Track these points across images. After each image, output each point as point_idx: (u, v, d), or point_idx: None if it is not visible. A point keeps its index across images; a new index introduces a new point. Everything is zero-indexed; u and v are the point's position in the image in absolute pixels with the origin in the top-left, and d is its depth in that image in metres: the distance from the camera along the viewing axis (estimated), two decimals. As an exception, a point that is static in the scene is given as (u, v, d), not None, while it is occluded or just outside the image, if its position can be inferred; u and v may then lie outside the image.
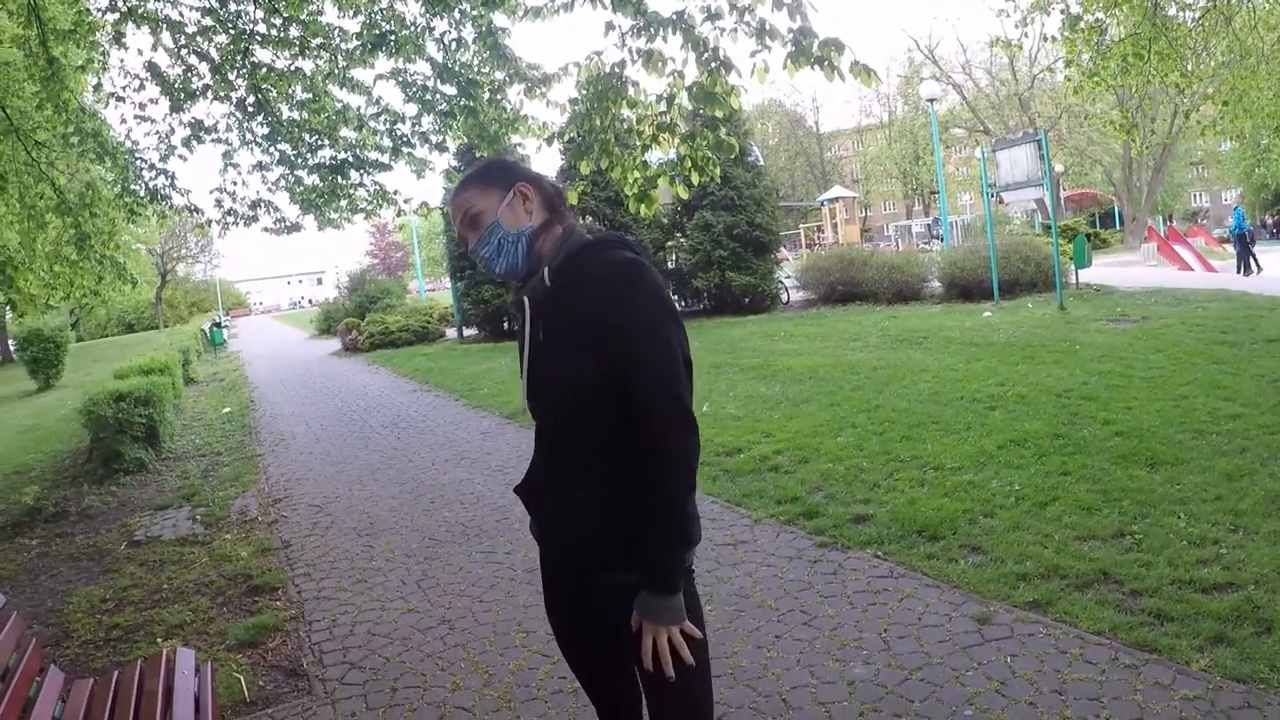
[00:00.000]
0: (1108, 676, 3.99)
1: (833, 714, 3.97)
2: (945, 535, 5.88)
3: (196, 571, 7.31)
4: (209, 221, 11.69)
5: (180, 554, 7.85)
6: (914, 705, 3.95)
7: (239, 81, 10.15)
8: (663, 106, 7.23)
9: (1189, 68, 12.90)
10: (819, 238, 50.07)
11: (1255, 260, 26.72)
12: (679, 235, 25.26)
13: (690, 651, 2.37)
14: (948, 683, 4.09)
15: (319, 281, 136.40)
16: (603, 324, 2.34)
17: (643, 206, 8.11)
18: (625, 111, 7.65)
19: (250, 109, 10.65)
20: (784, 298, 25.06)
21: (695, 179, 7.73)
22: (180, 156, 10.68)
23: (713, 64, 6.42)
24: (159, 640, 5.96)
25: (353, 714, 4.60)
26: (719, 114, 6.92)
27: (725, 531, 6.56)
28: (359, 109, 10.76)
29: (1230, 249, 30.55)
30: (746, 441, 8.95)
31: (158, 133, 10.57)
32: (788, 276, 26.12)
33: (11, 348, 46.99)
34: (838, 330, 17.48)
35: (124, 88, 10.18)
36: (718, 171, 7.90)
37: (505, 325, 25.50)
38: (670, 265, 25.16)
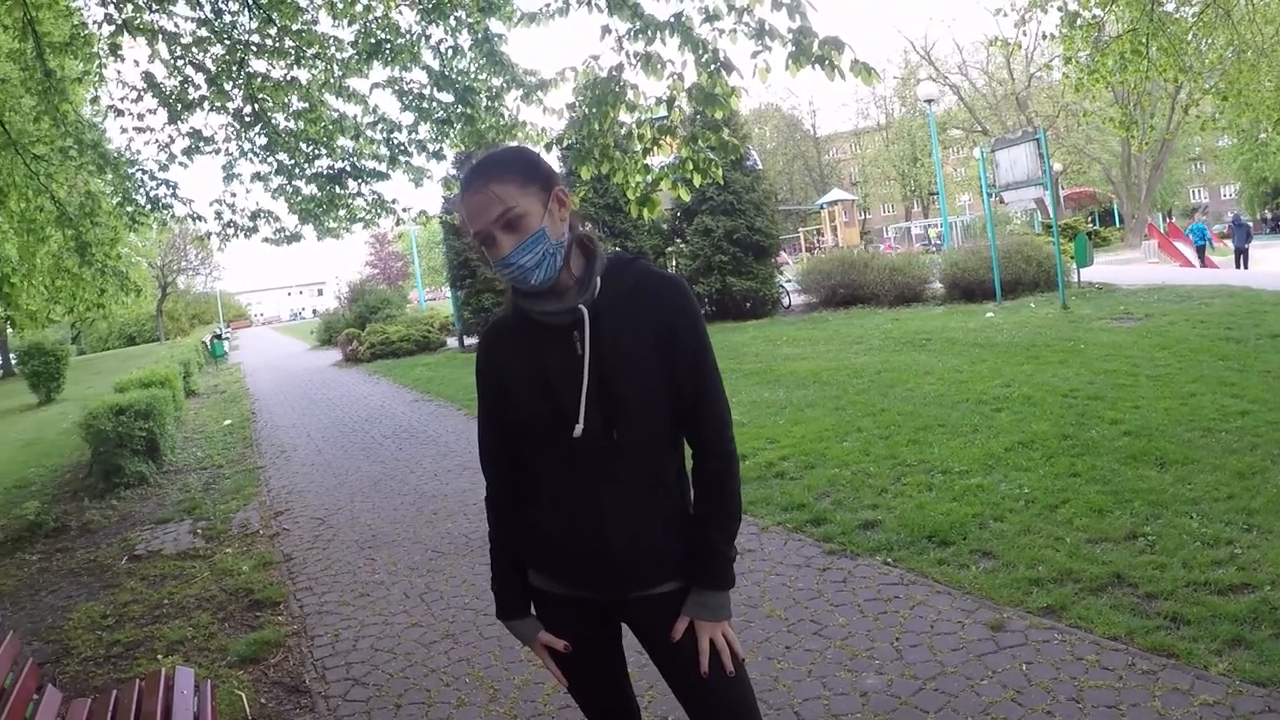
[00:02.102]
0: (1125, 683, 3.92)
1: None
2: (955, 540, 5.80)
3: (198, 586, 7.26)
4: (209, 234, 11.67)
5: (181, 568, 7.81)
6: (929, 716, 3.88)
7: (235, 92, 10.12)
8: (663, 110, 7.19)
9: (1188, 63, 12.83)
10: (818, 241, 50.14)
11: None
12: (679, 241, 25.25)
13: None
14: (963, 692, 4.02)
15: (319, 292, 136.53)
16: (668, 334, 2.32)
17: (645, 210, 8.07)
18: (624, 115, 7.61)
19: (247, 119, 10.62)
20: (785, 302, 25.04)
21: (697, 181, 7.69)
22: (181, 164, 10.67)
23: (712, 65, 6.38)
24: (160, 656, 5.91)
25: (356, 730, 4.54)
26: (720, 115, 6.88)
27: (731, 541, 6.49)
28: (355, 118, 10.72)
29: (1229, 244, 31.36)
30: (751, 448, 8.87)
31: (157, 142, 10.56)
32: (788, 280, 26.07)
33: (13, 361, 47.10)
34: (840, 334, 17.43)
35: (122, 99, 10.14)
36: (720, 173, 7.86)
37: (506, 332, 25.53)
38: (670, 271, 25.16)
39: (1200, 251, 29.91)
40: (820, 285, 23.44)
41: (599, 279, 2.33)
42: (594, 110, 7.46)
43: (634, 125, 7.82)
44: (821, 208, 52.62)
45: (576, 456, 2.35)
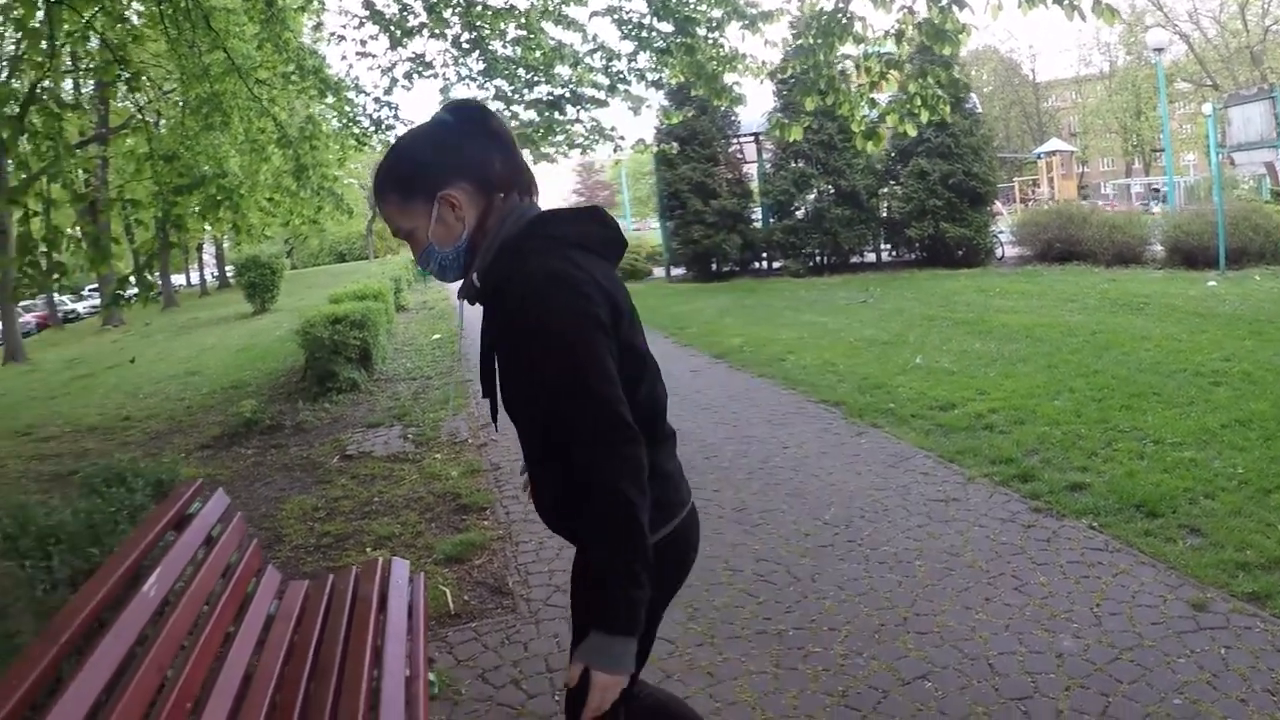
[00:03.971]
0: (1331, 680, 3.74)
1: (1038, 684, 3.86)
2: (1164, 513, 5.59)
3: (406, 487, 7.59)
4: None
5: (390, 470, 8.17)
6: (1122, 686, 3.80)
7: (453, 19, 10.33)
8: (890, 44, 7.10)
9: None
10: (1033, 192, 48.38)
11: None
12: (892, 182, 24.68)
13: None
14: (1158, 667, 3.92)
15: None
16: (516, 335, 2.23)
17: (869, 144, 8.04)
18: (850, 48, 7.54)
19: (465, 46, 10.84)
20: (998, 252, 24.29)
21: (924, 117, 7.60)
22: (403, 87, 10.98)
23: (944, 0, 6.26)
24: (368, 550, 6.25)
25: (555, 635, 4.72)
26: (948, 52, 6.76)
27: (937, 487, 6.46)
28: (573, 47, 10.83)
29: None
30: (960, 397, 8.75)
31: (379, 67, 10.89)
32: (1001, 231, 25.30)
33: (229, 273, 49.56)
34: (1054, 289, 16.83)
35: (343, 26, 10.51)
36: (947, 110, 7.76)
37: (714, 266, 25.45)
38: (883, 213, 24.63)
39: None
40: (1035, 238, 22.49)
41: (483, 269, 2.29)
42: (819, 41, 7.41)
43: (860, 58, 7.75)
44: (1039, 157, 50.61)
45: None
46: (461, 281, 2.37)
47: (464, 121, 2.32)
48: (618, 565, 2.07)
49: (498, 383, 2.39)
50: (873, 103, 8.09)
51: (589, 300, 2.17)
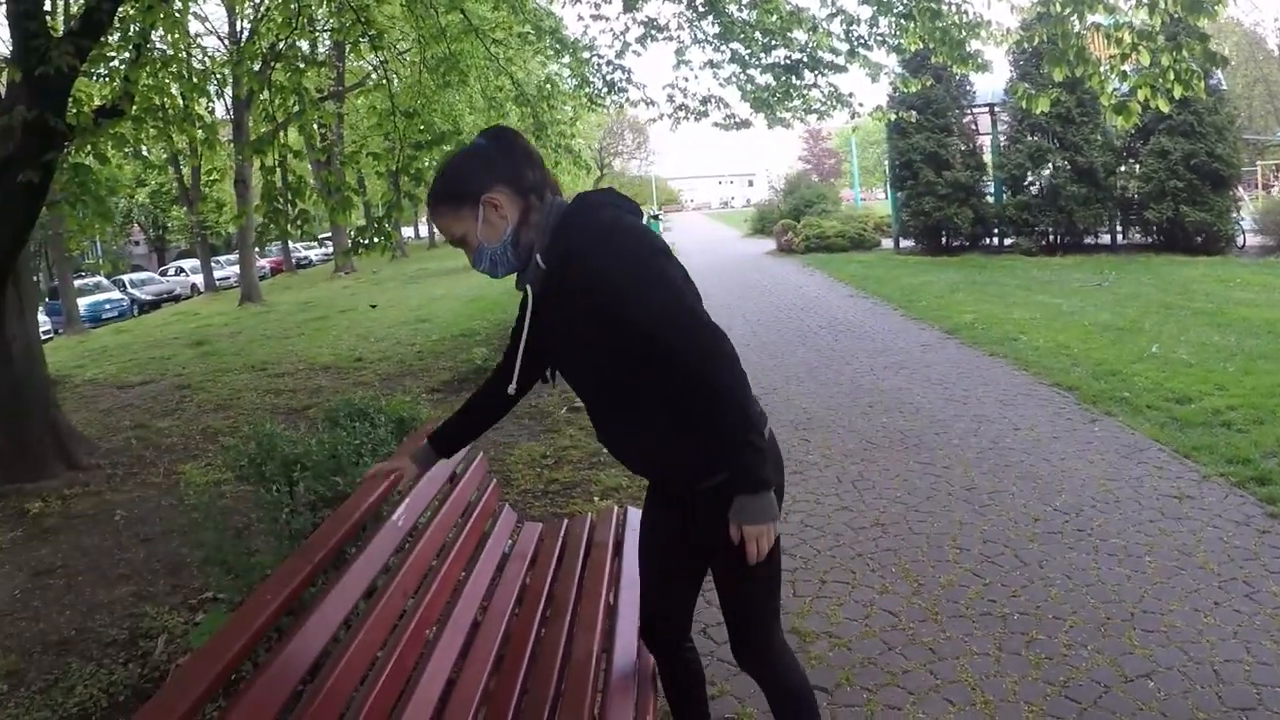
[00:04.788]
0: None
1: (1263, 697, 3.74)
2: None
3: (633, 442, 7.84)
4: (660, 116, 12.28)
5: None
6: (1355, 711, 3.66)
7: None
8: (1143, 13, 6.94)
9: None
10: (1277, 178, 45.57)
11: None
12: (1131, 160, 23.59)
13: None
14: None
15: (750, 183, 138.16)
16: (601, 286, 2.46)
17: (1120, 119, 7.84)
18: (1100, 17, 7.39)
19: (700, 9, 10.99)
20: (1239, 240, 23.01)
21: (1178, 92, 7.37)
22: (635, 52, 11.22)
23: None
24: (595, 499, 6.55)
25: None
26: (1203, 23, 6.57)
27: (1171, 483, 6.27)
28: (810, 11, 10.84)
29: None
30: (1197, 391, 8.39)
31: (612, 30, 11.14)
32: (1243, 218, 23.91)
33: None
34: (1302, 285, 15.97)
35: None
36: (1202, 86, 7.49)
37: (944, 239, 24.98)
38: (1119, 193, 23.63)
39: None
40: (1280, 227, 21.23)
41: (544, 248, 2.57)
42: (1067, 10, 7.29)
43: (1111, 28, 7.57)
44: (1286, 141, 47.63)
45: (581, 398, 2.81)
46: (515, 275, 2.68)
47: (496, 142, 2.66)
48: (741, 441, 2.48)
49: (569, 354, 2.70)
50: (1123, 75, 7.88)
51: (651, 235, 2.52)
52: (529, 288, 2.61)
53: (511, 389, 2.81)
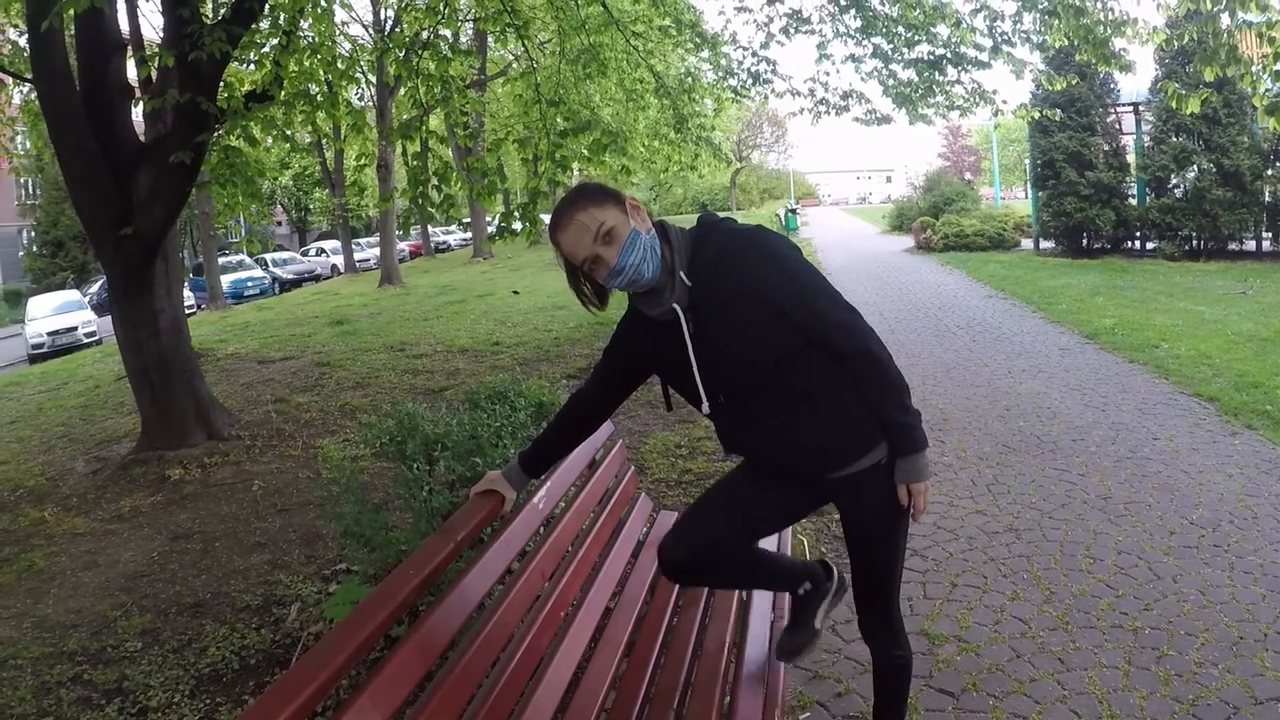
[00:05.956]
0: None
1: None
2: None
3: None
4: (802, 110, 12.29)
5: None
6: None
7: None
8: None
9: None
10: None
11: None
12: (1279, 164, 22.61)
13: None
14: None
15: (888, 179, 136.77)
16: (759, 287, 2.59)
17: (1272, 120, 7.57)
18: (1252, 15, 7.15)
19: (844, 3, 10.89)
20: (1392, 249, 21.88)
21: (1340, 93, 7.10)
22: (779, 43, 11.21)
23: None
24: (729, 494, 6.49)
25: (909, 599, 4.85)
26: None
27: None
28: (955, 7, 10.69)
29: None
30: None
31: (755, 22, 11.11)
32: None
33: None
34: None
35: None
36: (1362, 88, 7.20)
37: (1085, 241, 24.31)
38: (1267, 198, 22.64)
39: None
40: None
41: (688, 263, 2.67)
42: (1218, 7, 7.07)
43: (1263, 26, 7.32)
44: None
45: (716, 412, 2.84)
46: (647, 295, 2.75)
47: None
48: (895, 406, 2.69)
49: (734, 353, 2.70)
50: (1276, 75, 7.60)
51: (782, 237, 2.74)
52: (676, 306, 2.67)
53: (705, 408, 2.80)
